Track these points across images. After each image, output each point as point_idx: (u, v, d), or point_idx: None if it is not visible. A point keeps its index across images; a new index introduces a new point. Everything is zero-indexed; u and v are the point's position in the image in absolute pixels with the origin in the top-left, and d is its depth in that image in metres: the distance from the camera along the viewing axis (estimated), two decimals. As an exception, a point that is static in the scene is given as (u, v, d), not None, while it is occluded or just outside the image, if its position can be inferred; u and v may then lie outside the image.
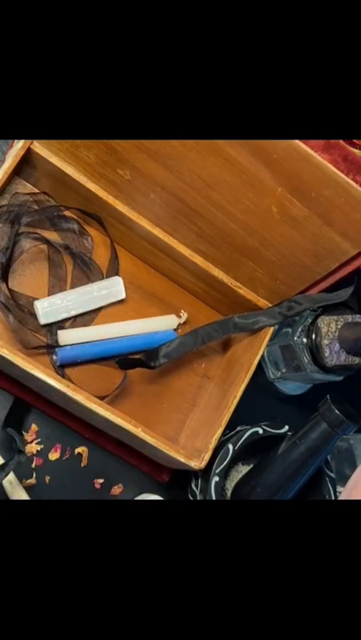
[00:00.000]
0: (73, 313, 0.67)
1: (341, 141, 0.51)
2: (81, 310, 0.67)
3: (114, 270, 0.69)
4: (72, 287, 0.68)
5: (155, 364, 0.65)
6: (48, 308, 0.65)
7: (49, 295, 0.66)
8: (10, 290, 0.64)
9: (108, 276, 0.69)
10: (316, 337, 0.65)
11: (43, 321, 0.65)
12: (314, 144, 0.50)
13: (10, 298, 0.64)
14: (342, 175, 0.50)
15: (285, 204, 0.55)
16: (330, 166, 0.50)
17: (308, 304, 0.64)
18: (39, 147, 0.61)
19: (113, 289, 0.68)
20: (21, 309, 0.65)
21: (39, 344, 0.65)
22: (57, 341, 0.65)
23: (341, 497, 0.51)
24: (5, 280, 0.64)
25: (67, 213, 0.67)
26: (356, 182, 0.51)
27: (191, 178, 0.57)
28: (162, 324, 0.70)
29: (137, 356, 0.65)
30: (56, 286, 0.67)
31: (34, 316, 0.65)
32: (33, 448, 0.66)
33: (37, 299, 0.66)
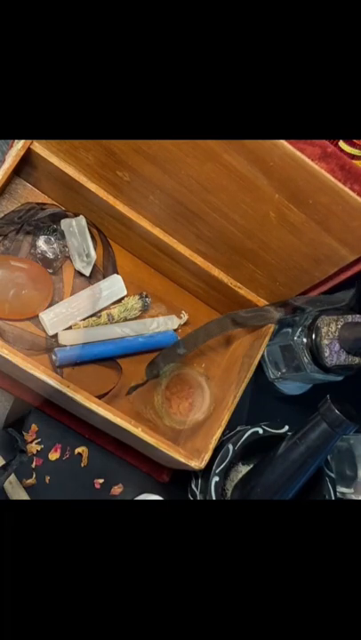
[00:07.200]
0: (79, 319, 0.66)
1: (338, 150, 0.51)
2: (86, 315, 0.67)
3: (110, 265, 0.69)
4: (73, 289, 0.68)
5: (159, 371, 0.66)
6: (55, 319, 0.65)
7: (51, 302, 0.66)
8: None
9: (106, 273, 0.69)
10: (316, 337, 0.65)
11: (51, 332, 0.65)
12: (310, 153, 0.50)
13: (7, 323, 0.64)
14: (339, 184, 0.50)
15: (283, 210, 0.55)
16: (327, 174, 0.50)
17: (308, 305, 0.64)
18: (39, 147, 0.61)
19: (114, 288, 0.68)
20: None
21: (40, 345, 0.65)
22: (57, 342, 0.65)
23: None
24: None
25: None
26: (354, 191, 0.51)
27: (189, 182, 0.57)
28: (162, 325, 0.70)
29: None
30: (57, 293, 0.67)
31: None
32: (33, 448, 0.66)
33: (32, 318, 0.65)
